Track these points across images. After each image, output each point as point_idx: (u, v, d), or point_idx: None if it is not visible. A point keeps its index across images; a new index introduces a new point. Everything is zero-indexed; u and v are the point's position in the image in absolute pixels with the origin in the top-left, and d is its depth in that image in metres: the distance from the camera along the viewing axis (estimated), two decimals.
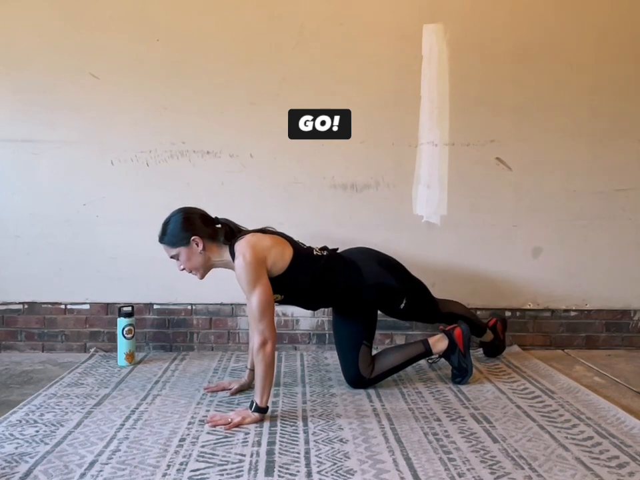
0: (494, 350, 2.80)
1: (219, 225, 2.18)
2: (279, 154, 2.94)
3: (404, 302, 2.37)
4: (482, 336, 2.72)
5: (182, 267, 2.15)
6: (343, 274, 2.27)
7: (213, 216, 2.20)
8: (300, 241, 2.32)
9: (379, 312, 2.45)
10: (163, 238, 2.14)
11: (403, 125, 2.96)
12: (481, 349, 2.87)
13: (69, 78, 2.88)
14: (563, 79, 2.96)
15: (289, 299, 2.24)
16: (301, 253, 2.21)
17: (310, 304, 2.38)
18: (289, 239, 2.23)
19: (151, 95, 2.90)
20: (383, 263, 2.39)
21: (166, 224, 2.14)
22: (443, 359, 2.47)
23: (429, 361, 2.51)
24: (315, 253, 2.27)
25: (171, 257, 2.16)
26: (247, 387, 2.31)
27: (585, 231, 3.02)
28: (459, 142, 2.97)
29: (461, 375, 2.42)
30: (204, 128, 2.92)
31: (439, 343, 2.43)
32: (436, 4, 2.93)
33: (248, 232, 2.17)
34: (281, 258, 2.14)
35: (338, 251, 2.40)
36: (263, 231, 2.21)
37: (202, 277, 2.19)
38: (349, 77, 2.93)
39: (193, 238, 2.09)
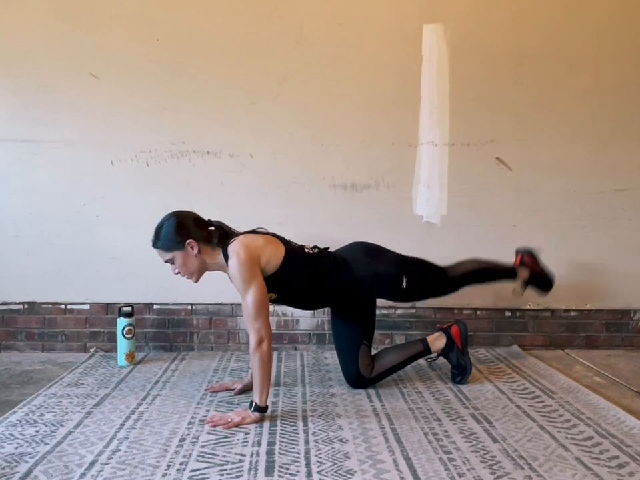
0: (542, 283, 2.68)
1: (212, 228, 2.18)
2: (279, 154, 2.94)
3: (404, 280, 2.30)
4: (515, 277, 2.63)
5: (177, 271, 2.15)
6: (334, 272, 2.25)
7: (206, 218, 2.19)
8: (293, 240, 2.31)
9: (377, 312, 2.46)
10: (157, 242, 2.13)
11: (403, 125, 2.96)
12: (481, 349, 2.87)
13: (69, 78, 2.88)
14: (563, 79, 2.96)
15: (283, 298, 2.24)
16: (292, 250, 2.22)
17: (304, 303, 2.38)
18: (280, 238, 2.24)
19: (150, 95, 2.90)
20: (370, 252, 2.35)
21: (159, 228, 2.13)
22: (441, 358, 2.47)
23: (428, 360, 2.51)
24: (306, 250, 2.27)
25: (166, 262, 2.15)
26: (250, 387, 2.31)
27: (585, 231, 3.02)
28: (458, 142, 2.97)
29: (460, 373, 2.42)
30: (204, 128, 2.92)
31: (437, 341, 2.44)
32: (436, 4, 2.93)
33: (240, 234, 2.18)
34: (274, 256, 2.14)
35: (329, 250, 2.39)
36: (254, 232, 2.21)
37: (197, 281, 2.18)
38: (348, 77, 2.93)
39: (188, 241, 2.09)
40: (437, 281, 2.43)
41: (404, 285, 2.28)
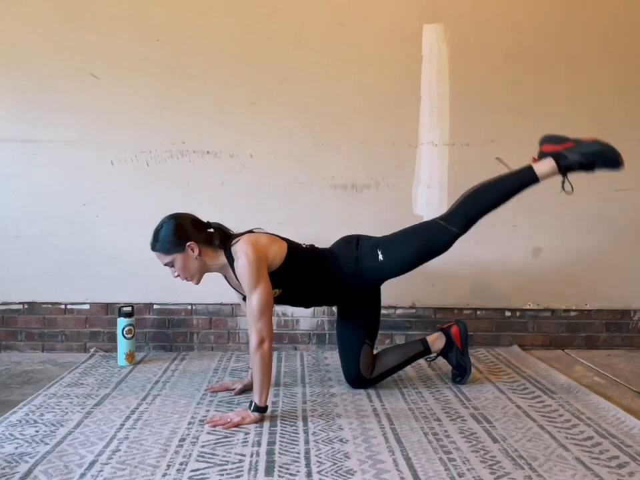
0: (594, 157, 2.02)
1: (211, 229, 2.17)
2: (278, 154, 2.94)
3: (379, 253, 2.21)
4: (536, 178, 2.11)
5: (176, 274, 2.14)
6: (327, 263, 2.25)
7: (205, 220, 2.19)
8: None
9: (380, 312, 2.45)
10: (155, 245, 2.12)
11: (403, 125, 2.96)
12: (481, 349, 2.88)
13: (68, 78, 2.88)
14: (563, 79, 2.97)
15: (286, 294, 2.24)
16: (293, 246, 2.23)
17: (306, 298, 2.37)
18: (278, 236, 2.25)
19: (151, 95, 2.90)
20: (351, 240, 2.32)
21: (157, 231, 2.12)
22: (441, 358, 2.47)
23: (427, 359, 2.51)
24: (303, 246, 2.29)
25: (165, 265, 2.14)
26: (250, 387, 2.30)
27: (585, 231, 3.01)
28: (459, 142, 2.97)
29: (460, 373, 2.42)
30: (204, 128, 2.92)
31: (437, 341, 2.44)
32: (436, 4, 2.93)
33: (241, 234, 2.17)
34: (279, 252, 2.16)
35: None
36: (251, 232, 2.21)
37: (198, 282, 2.18)
38: (348, 76, 2.93)
39: (188, 244, 2.08)
40: (421, 235, 2.22)
41: (380, 257, 2.20)
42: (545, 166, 2.10)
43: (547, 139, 2.11)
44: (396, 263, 2.24)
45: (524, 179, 2.13)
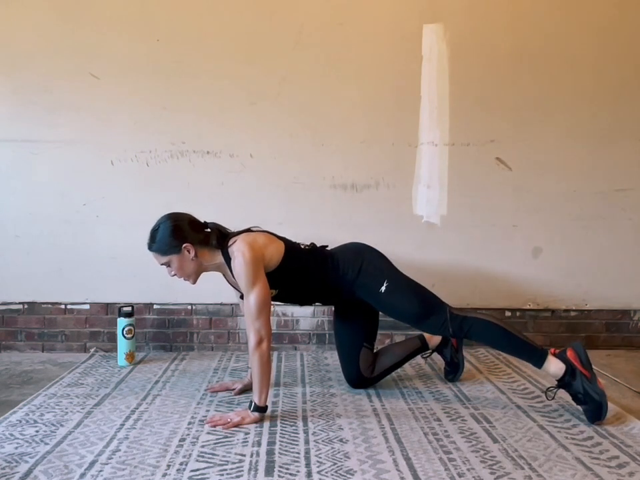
0: (584, 396, 2.01)
1: (209, 230, 2.16)
2: (278, 154, 2.94)
3: (384, 284, 2.16)
4: (540, 364, 2.09)
5: (173, 273, 2.14)
6: (323, 266, 2.22)
7: (202, 220, 2.18)
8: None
9: (378, 314, 2.45)
10: (152, 246, 2.11)
11: (403, 125, 2.96)
12: (481, 349, 2.88)
13: (69, 78, 2.88)
14: (563, 79, 2.97)
15: (283, 293, 2.24)
16: (291, 246, 2.22)
17: (302, 298, 2.36)
18: (276, 235, 2.24)
19: (151, 95, 2.90)
20: (362, 253, 2.27)
21: (154, 231, 2.11)
22: (436, 354, 2.49)
23: (423, 356, 2.51)
24: (302, 247, 2.27)
25: (162, 265, 2.14)
26: (250, 387, 2.30)
27: (585, 231, 3.02)
28: (459, 142, 2.97)
29: (452, 370, 2.44)
30: (204, 128, 2.92)
31: (433, 337, 2.45)
32: (436, 4, 2.93)
33: (238, 233, 2.17)
34: (276, 252, 2.15)
35: (327, 248, 2.36)
36: (249, 230, 2.21)
37: (194, 282, 2.18)
38: (349, 76, 2.93)
39: (184, 245, 2.08)
40: (426, 304, 2.19)
41: (382, 288, 2.16)
42: (555, 367, 2.06)
43: (578, 350, 2.06)
44: (389, 303, 2.20)
45: (532, 356, 2.11)
